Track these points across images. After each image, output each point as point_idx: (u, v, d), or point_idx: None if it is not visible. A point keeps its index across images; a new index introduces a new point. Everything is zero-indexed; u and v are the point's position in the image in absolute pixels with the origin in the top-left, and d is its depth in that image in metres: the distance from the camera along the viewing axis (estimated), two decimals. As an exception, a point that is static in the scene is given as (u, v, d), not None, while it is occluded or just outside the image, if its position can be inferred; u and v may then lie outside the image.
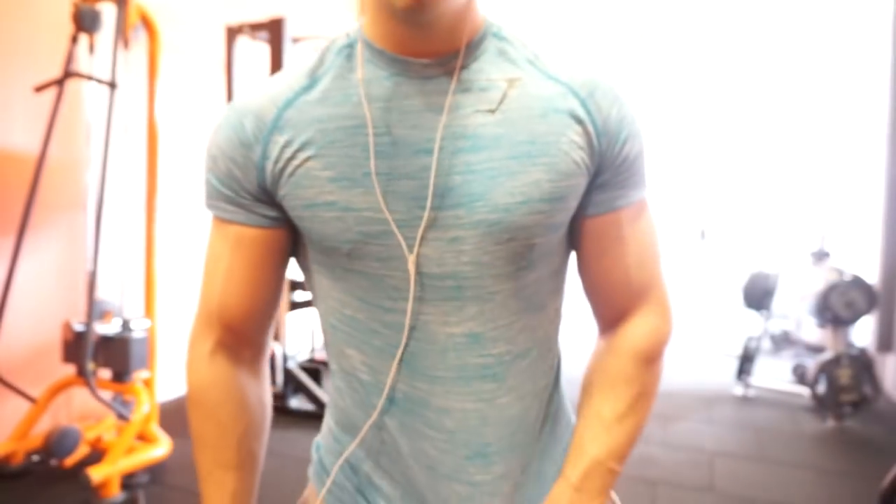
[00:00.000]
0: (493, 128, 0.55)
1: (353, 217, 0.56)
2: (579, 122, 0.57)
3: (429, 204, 0.55)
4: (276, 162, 0.57)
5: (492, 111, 0.55)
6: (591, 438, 0.62)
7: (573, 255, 0.66)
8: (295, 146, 0.57)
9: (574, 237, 0.64)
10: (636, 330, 0.64)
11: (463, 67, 0.56)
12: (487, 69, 0.57)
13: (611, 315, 0.65)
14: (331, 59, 0.59)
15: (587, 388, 0.66)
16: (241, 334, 0.65)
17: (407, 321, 0.57)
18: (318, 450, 0.70)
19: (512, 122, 0.55)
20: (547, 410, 0.65)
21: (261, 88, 0.59)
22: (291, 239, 0.63)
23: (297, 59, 0.61)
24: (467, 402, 0.58)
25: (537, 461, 0.64)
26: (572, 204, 0.59)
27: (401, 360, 0.58)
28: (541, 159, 0.55)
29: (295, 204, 0.58)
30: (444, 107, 0.55)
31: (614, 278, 0.63)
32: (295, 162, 0.57)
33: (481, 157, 0.55)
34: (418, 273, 0.56)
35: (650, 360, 0.63)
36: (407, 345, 0.58)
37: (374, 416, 0.60)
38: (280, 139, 0.57)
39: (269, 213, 0.60)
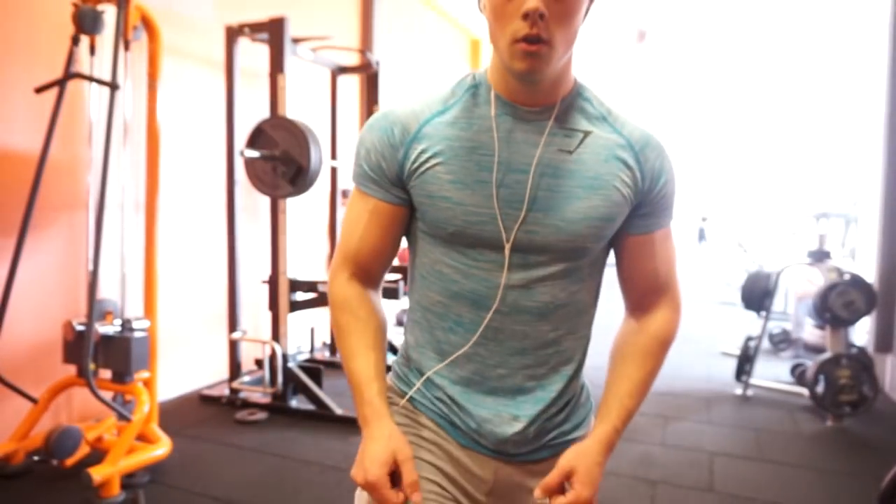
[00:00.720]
0: (570, 164, 0.81)
1: (461, 210, 0.81)
2: (629, 168, 0.82)
3: (525, 207, 0.80)
4: (414, 163, 0.82)
5: (570, 153, 0.81)
6: (627, 394, 0.87)
7: (612, 255, 0.92)
8: (429, 154, 0.82)
9: (617, 246, 0.90)
10: (658, 318, 0.90)
11: (555, 117, 0.81)
12: (571, 121, 0.82)
13: (638, 300, 0.92)
14: (460, 94, 0.84)
15: (622, 355, 0.91)
16: (368, 271, 0.90)
17: (503, 279, 0.82)
18: (398, 364, 0.96)
19: (583, 162, 0.81)
20: (584, 349, 0.92)
21: (406, 105, 0.85)
22: (409, 214, 0.88)
23: (434, 88, 0.88)
24: (516, 324, 0.84)
25: (566, 370, 0.89)
26: (618, 224, 0.84)
27: (480, 302, 0.84)
28: (600, 191, 0.81)
29: (421, 193, 0.83)
30: (540, 144, 0.81)
31: (646, 277, 0.90)
32: (427, 165, 0.82)
33: (559, 183, 0.80)
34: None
35: (667, 342, 0.91)
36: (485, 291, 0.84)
37: (460, 339, 0.86)
38: (419, 147, 0.82)
39: (400, 194, 0.85)
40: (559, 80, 0.80)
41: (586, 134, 0.82)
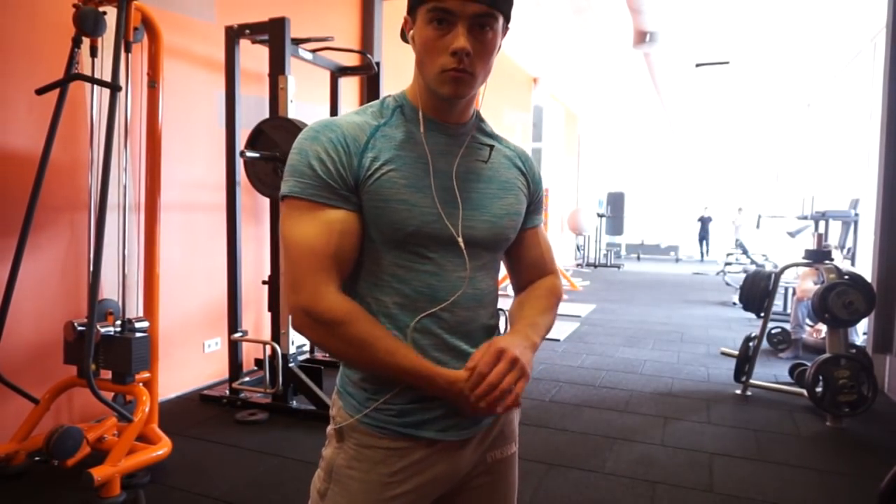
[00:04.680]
0: (487, 171, 0.98)
1: (417, 210, 0.88)
2: (523, 174, 1.04)
3: (460, 206, 0.92)
4: (368, 170, 0.88)
5: (485, 162, 0.98)
6: (535, 314, 1.01)
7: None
8: (380, 161, 0.88)
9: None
10: (547, 280, 1.09)
11: (466, 133, 0.97)
12: (478, 136, 0.99)
13: (529, 282, 1.09)
14: (389, 113, 0.94)
15: (521, 303, 1.05)
16: (344, 275, 0.90)
17: (468, 271, 0.93)
18: (349, 390, 0.96)
19: (496, 170, 0.99)
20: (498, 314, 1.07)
21: (342, 119, 0.91)
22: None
23: (363, 106, 0.97)
24: (465, 312, 0.94)
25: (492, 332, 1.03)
26: (522, 219, 1.03)
27: (437, 294, 0.91)
28: (511, 192, 1.00)
29: (375, 198, 0.88)
30: (458, 154, 0.95)
31: (535, 263, 1.08)
32: (381, 171, 0.88)
33: (482, 186, 0.96)
34: (456, 242, 0.92)
35: (557, 293, 1.09)
36: (450, 282, 0.93)
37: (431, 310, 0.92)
38: (370, 155, 0.88)
39: (356, 202, 0.88)
40: (470, 102, 0.95)
41: (491, 147, 0.99)
